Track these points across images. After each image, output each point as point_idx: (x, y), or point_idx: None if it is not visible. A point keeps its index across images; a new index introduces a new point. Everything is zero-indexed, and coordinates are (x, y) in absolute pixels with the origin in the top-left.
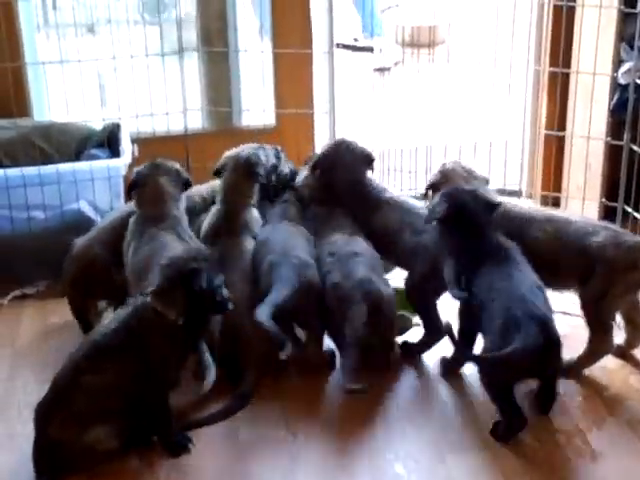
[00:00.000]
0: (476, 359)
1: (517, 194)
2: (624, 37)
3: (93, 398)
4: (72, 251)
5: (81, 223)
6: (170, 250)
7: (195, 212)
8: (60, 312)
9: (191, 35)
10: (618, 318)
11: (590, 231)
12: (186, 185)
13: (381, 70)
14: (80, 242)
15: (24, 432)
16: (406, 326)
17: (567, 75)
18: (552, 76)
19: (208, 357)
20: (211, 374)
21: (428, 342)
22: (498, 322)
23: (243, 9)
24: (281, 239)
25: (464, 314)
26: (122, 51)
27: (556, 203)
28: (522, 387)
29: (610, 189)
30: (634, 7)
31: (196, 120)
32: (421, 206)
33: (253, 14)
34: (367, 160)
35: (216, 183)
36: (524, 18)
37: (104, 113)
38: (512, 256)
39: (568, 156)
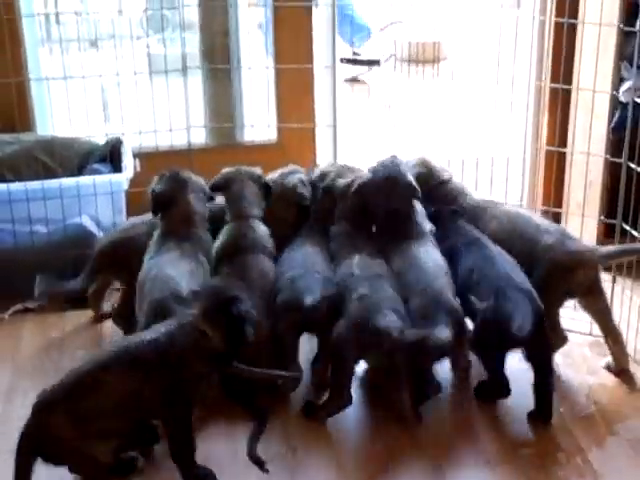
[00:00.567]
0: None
1: None
2: (625, 55)
3: (109, 405)
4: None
5: (83, 238)
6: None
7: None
8: (61, 326)
9: (193, 51)
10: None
11: (542, 231)
12: (210, 199)
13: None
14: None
15: None
16: None
17: (569, 92)
18: (553, 92)
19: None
20: None
21: None
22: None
23: (245, 25)
24: (301, 257)
25: None
26: (125, 67)
27: (557, 219)
28: (523, 403)
29: (610, 206)
30: (633, 25)
31: (198, 135)
32: None
33: (256, 30)
34: (413, 193)
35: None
36: (526, 35)
37: (107, 128)
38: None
39: (569, 172)
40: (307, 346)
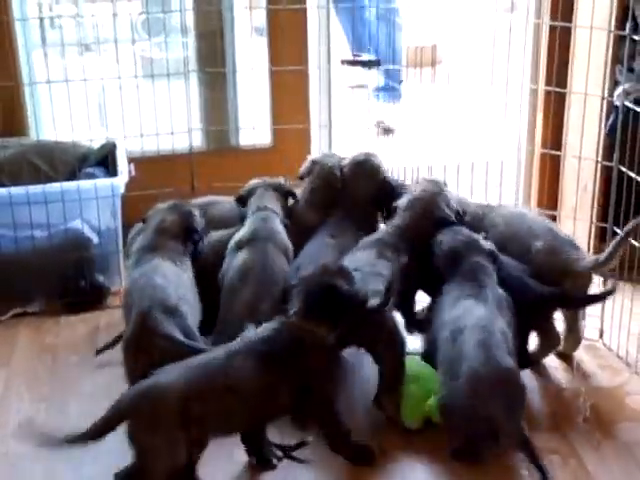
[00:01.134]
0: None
1: None
2: (620, 59)
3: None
4: None
5: (78, 242)
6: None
7: None
8: (56, 332)
9: (188, 54)
10: None
11: (535, 235)
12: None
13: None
14: None
15: (18, 451)
16: None
17: (563, 95)
18: (548, 95)
19: None
20: None
21: None
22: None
23: (241, 28)
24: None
25: None
26: (121, 71)
27: None
28: None
29: (604, 210)
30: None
31: (190, 139)
32: None
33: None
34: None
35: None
36: (520, 38)
37: (102, 133)
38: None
39: (563, 176)
40: None
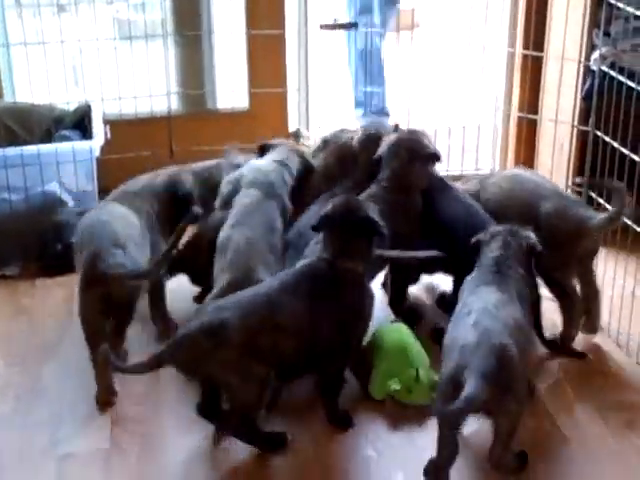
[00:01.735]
0: None
1: None
2: (597, 22)
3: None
4: None
5: (52, 204)
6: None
7: None
8: (32, 294)
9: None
10: None
11: (543, 196)
12: None
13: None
14: None
15: None
16: None
17: (541, 58)
18: (525, 59)
19: None
20: None
21: None
22: None
23: None
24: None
25: None
26: (98, 33)
27: None
28: None
29: (579, 174)
30: None
31: (164, 103)
32: None
33: None
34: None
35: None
36: (498, 1)
37: (79, 95)
38: None
39: (539, 139)
40: None
